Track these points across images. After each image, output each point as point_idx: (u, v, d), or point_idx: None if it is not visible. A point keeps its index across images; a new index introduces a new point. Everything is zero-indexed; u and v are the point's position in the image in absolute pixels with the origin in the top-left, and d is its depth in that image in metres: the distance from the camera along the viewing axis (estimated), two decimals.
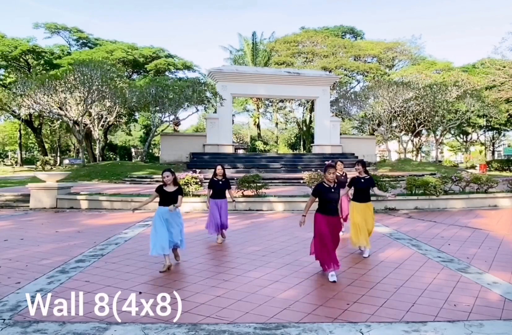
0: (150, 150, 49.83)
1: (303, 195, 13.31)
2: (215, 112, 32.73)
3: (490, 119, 38.78)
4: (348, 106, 34.86)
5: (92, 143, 38.32)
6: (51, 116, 28.72)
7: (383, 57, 42.40)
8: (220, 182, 7.88)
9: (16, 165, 45.40)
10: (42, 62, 37.34)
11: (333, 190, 5.73)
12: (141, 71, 42.41)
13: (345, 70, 41.14)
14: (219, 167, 7.96)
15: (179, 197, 6.16)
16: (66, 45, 42.34)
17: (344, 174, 8.41)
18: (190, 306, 4.49)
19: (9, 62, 36.41)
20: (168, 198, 6.07)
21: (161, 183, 6.22)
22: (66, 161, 48.04)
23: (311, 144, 36.49)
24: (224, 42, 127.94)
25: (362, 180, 7.02)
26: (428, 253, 6.91)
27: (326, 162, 6.13)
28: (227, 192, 8.03)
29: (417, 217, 11.10)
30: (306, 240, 8.12)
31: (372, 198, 8.24)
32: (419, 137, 44.28)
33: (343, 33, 47.77)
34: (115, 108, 29.54)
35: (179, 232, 6.17)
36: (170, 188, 6.10)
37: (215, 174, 7.90)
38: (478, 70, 38.45)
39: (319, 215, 5.74)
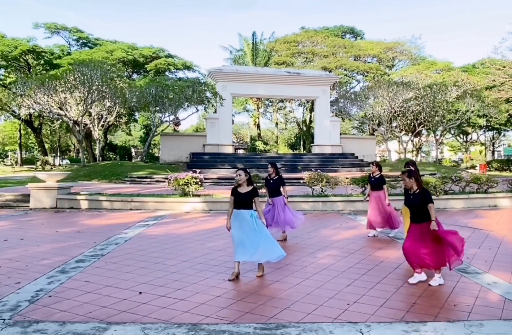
0: (150, 150, 49.79)
1: (303, 195, 13.31)
2: (215, 112, 32.72)
3: (490, 119, 38.79)
4: (348, 106, 34.86)
5: (92, 143, 38.30)
6: (51, 116, 28.71)
7: (383, 57, 42.38)
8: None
9: (16, 165, 45.39)
10: (42, 62, 37.31)
11: (411, 196, 5.41)
12: (141, 71, 42.39)
13: (345, 70, 41.14)
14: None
15: (255, 199, 5.59)
16: (66, 45, 42.30)
17: (377, 175, 8.45)
18: (190, 306, 4.49)
19: (9, 62, 36.37)
20: (240, 200, 5.60)
21: (236, 185, 5.76)
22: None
23: (311, 144, 36.49)
24: (224, 42, 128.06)
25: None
26: None
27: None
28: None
29: None
30: (306, 240, 8.14)
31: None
32: (419, 137, 44.29)
33: (343, 33, 47.74)
34: (115, 108, 29.53)
35: (254, 242, 5.46)
36: (244, 189, 5.65)
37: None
38: (478, 70, 38.45)
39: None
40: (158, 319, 4.12)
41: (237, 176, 5.68)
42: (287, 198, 8.16)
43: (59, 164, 42.83)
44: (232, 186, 5.93)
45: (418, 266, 5.22)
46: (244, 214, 5.56)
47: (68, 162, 41.30)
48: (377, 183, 8.35)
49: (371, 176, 8.54)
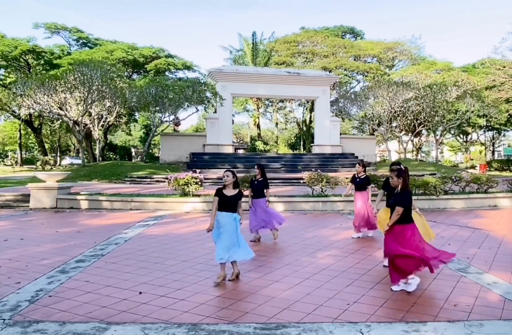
0: (150, 150, 49.79)
1: (303, 195, 13.32)
2: (215, 112, 32.71)
3: (490, 119, 38.78)
4: (348, 106, 34.84)
5: (92, 143, 38.29)
6: (51, 116, 28.70)
7: (383, 57, 42.37)
8: None
9: (16, 165, 45.39)
10: (42, 62, 37.28)
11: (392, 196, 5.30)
12: (141, 71, 42.36)
13: (345, 70, 41.12)
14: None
15: (239, 202, 5.59)
16: (66, 45, 42.27)
17: (363, 176, 8.42)
18: (190, 306, 4.49)
19: (9, 62, 36.34)
20: (225, 202, 5.49)
21: (221, 186, 5.64)
22: (65, 161, 48.13)
23: (311, 144, 36.48)
24: (224, 42, 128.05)
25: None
26: None
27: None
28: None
29: None
30: (306, 240, 8.14)
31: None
32: (419, 137, 44.27)
33: (343, 33, 47.73)
34: (115, 108, 29.51)
35: (234, 244, 5.44)
36: (229, 192, 5.54)
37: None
38: (478, 70, 38.45)
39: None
40: (158, 319, 4.12)
41: (224, 176, 5.56)
42: (268, 201, 8.11)
43: (59, 164, 42.78)
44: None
45: (407, 273, 4.95)
46: (227, 216, 5.48)
47: (68, 161, 40.83)
48: (362, 183, 8.33)
49: (356, 176, 8.46)
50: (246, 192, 7.79)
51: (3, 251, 7.18)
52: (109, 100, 27.71)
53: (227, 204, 5.50)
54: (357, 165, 8.60)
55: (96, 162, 30.27)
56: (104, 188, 17.69)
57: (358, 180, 8.38)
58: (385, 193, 6.29)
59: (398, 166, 5.52)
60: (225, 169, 5.80)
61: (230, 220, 5.47)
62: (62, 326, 3.96)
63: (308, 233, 8.90)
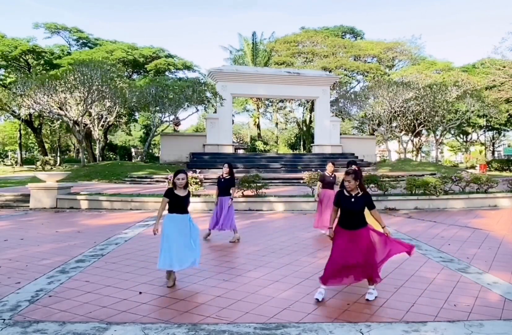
0: (150, 150, 49.78)
1: (303, 195, 13.31)
2: (215, 112, 32.71)
3: (490, 119, 38.78)
4: (348, 106, 34.84)
5: (92, 143, 38.29)
6: (51, 116, 28.69)
7: (383, 57, 42.36)
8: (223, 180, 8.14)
9: (16, 165, 45.39)
10: (42, 62, 37.30)
11: (353, 200, 4.77)
12: (141, 71, 42.37)
13: (345, 70, 41.10)
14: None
15: (189, 202, 5.55)
16: (66, 45, 42.29)
17: (333, 175, 8.58)
18: (190, 306, 4.49)
19: (9, 62, 36.36)
20: (178, 203, 5.33)
21: (170, 186, 5.44)
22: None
23: (311, 144, 36.48)
24: (224, 42, 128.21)
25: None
26: (428, 253, 6.91)
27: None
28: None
29: (417, 217, 11.10)
30: (306, 240, 8.15)
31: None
32: (419, 137, 44.26)
33: (343, 33, 47.72)
34: (115, 108, 29.51)
35: (192, 247, 5.29)
36: (182, 192, 5.35)
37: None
38: (478, 70, 38.43)
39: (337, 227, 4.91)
40: (158, 319, 4.12)
41: (179, 179, 5.27)
42: (232, 199, 8.07)
43: (59, 164, 42.80)
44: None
45: (330, 282, 4.74)
46: (183, 218, 5.35)
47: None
48: (334, 182, 8.47)
49: (327, 174, 8.53)
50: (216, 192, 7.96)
51: (3, 251, 7.18)
52: (109, 100, 27.71)
53: (178, 204, 5.33)
54: (330, 164, 8.53)
55: (96, 162, 30.27)
56: (104, 188, 17.68)
57: (331, 178, 8.47)
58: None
59: (353, 169, 5.30)
60: (178, 170, 5.50)
61: (185, 221, 5.35)
62: (62, 326, 3.96)
63: (308, 233, 8.90)
